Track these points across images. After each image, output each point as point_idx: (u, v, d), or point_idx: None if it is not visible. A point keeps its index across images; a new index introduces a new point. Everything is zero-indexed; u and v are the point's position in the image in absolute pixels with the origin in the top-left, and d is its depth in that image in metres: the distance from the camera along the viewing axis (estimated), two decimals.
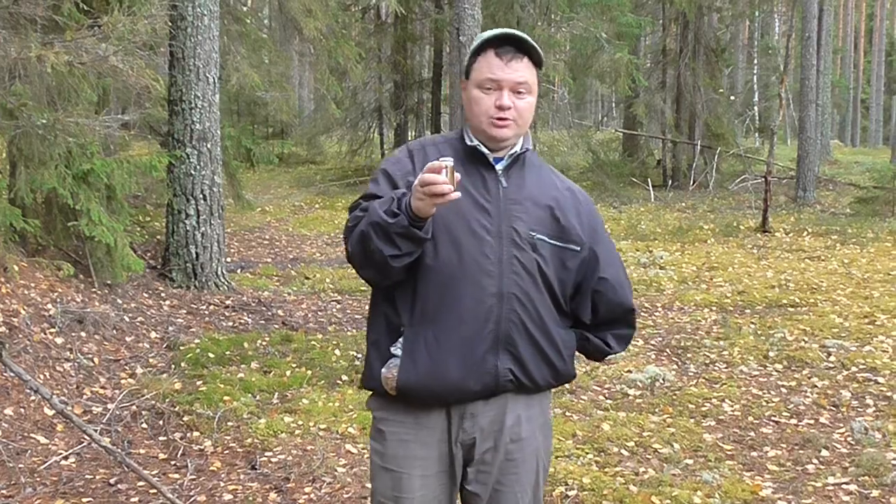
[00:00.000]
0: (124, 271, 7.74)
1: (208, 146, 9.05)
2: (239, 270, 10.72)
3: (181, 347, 7.10)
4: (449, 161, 2.23)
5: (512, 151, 2.52)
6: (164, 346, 7.18)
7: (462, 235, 2.41)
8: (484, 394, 2.46)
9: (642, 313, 8.99)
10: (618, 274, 2.65)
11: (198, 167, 9.01)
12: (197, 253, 9.04)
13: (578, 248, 2.55)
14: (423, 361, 2.39)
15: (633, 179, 22.25)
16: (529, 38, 2.46)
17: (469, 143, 2.51)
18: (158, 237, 10.73)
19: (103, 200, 7.55)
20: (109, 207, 7.67)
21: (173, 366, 6.73)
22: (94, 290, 7.66)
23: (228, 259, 10.68)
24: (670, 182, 22.48)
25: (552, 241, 2.51)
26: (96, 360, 6.47)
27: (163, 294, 8.62)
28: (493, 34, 2.45)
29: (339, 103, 18.96)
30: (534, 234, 2.48)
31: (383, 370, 2.44)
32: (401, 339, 2.42)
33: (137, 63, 6.19)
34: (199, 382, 6.33)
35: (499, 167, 2.51)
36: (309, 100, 32.92)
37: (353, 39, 18.26)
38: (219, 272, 9.23)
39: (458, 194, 2.22)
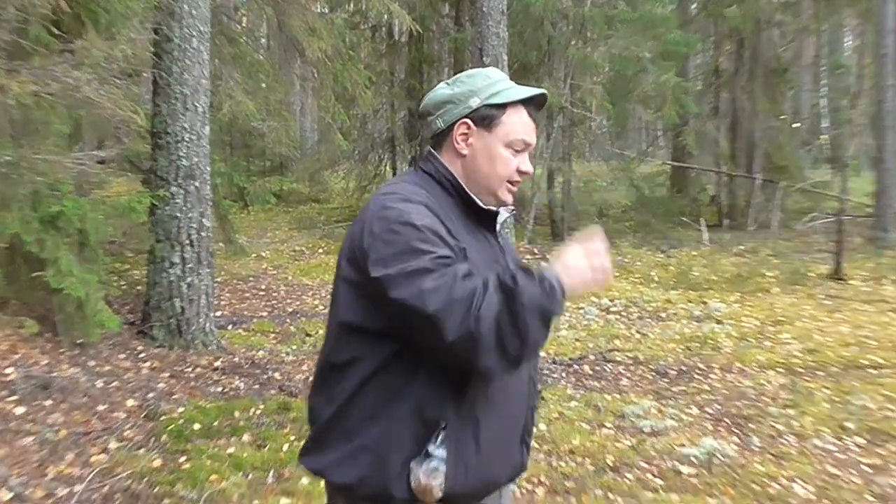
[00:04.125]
0: (97, 329, 7.72)
1: (196, 184, 9.06)
2: (230, 326, 10.68)
3: (162, 417, 7.04)
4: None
5: (505, 215, 2.56)
6: (143, 415, 7.12)
7: None
8: None
9: (696, 376, 8.89)
10: None
11: (184, 208, 9.01)
12: (182, 307, 9.02)
13: None
14: (473, 465, 2.32)
15: (684, 219, 22.16)
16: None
17: (486, 206, 2.50)
18: (138, 289, 10.73)
19: (74, 247, 7.54)
20: (81, 255, 7.66)
21: (153, 439, 6.66)
22: (61, 350, 7.64)
23: (218, 313, 10.65)
24: (726, 222, 22.39)
25: None
26: (63, 432, 6.41)
27: (142, 355, 8.58)
28: (536, 93, 2.49)
29: (345, 134, 19.01)
30: None
31: (419, 476, 2.27)
32: (440, 437, 2.28)
33: (114, 93, 6.20)
34: (182, 458, 6.25)
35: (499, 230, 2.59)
36: (312, 130, 33.11)
37: (361, 61, 18.39)
38: (207, 329, 9.20)
39: None
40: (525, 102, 2.47)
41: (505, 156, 2.45)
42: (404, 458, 2.28)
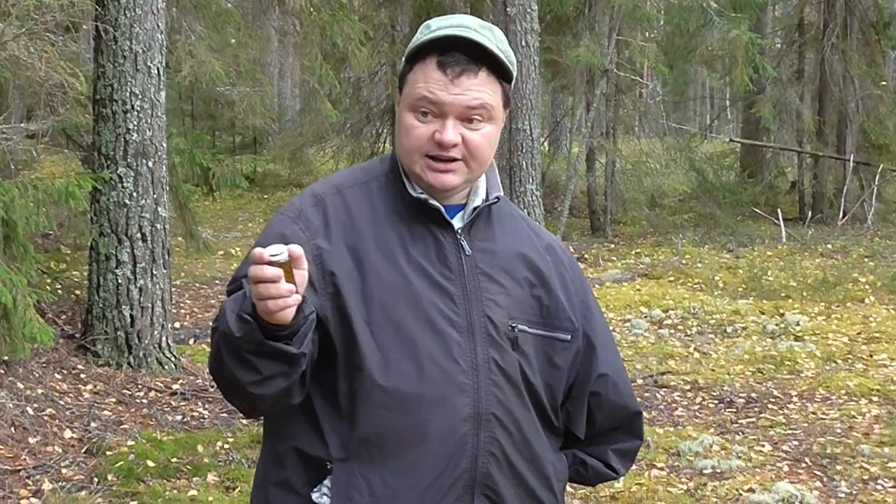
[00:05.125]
0: (28, 343, 7.76)
1: (149, 164, 9.11)
2: (192, 341, 10.74)
3: (108, 452, 7.09)
4: (280, 252, 2.09)
5: (475, 204, 2.48)
6: (84, 450, 7.18)
7: (417, 333, 2.34)
8: None
9: (769, 405, 8.91)
10: (618, 366, 2.65)
11: (134, 194, 9.06)
12: (132, 316, 9.07)
13: (569, 338, 2.53)
14: None
15: (756, 210, 22.14)
16: (492, 41, 2.40)
17: (414, 193, 2.43)
18: (77, 293, 10.78)
19: None
20: (7, 252, 7.72)
21: (96, 479, 6.72)
22: None
23: (177, 324, 10.70)
24: (810, 214, 22.35)
25: (536, 331, 2.48)
26: None
27: (83, 375, 8.63)
28: (436, 35, 2.39)
29: (335, 102, 19.04)
30: (514, 324, 2.45)
31: None
32: (327, 481, 2.35)
33: (48, 51, 6.27)
34: (132, 503, 6.30)
35: (456, 223, 2.46)
36: (293, 97, 33.19)
37: (355, 11, 18.40)
38: (163, 343, 9.25)
39: (297, 298, 2.11)
40: (438, 51, 2.38)
41: (408, 122, 2.41)
42: None
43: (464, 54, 2.37)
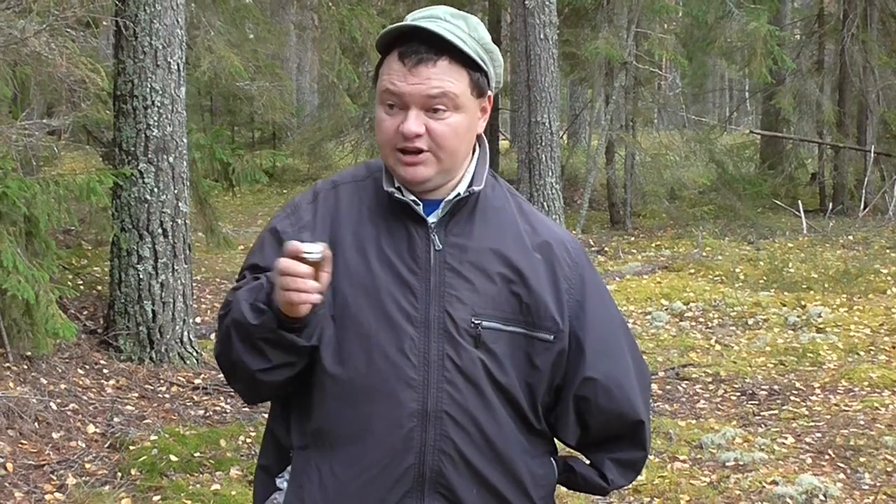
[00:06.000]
0: (50, 338, 7.78)
1: (170, 160, 9.13)
2: (213, 335, 10.74)
3: (131, 447, 7.11)
4: (316, 251, 2.18)
5: (451, 195, 2.44)
6: (107, 444, 7.20)
7: (372, 325, 2.34)
8: None
9: (792, 397, 8.89)
10: (614, 371, 2.54)
11: (155, 190, 9.08)
12: (154, 311, 9.09)
13: (552, 338, 2.46)
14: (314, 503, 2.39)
15: (777, 202, 22.08)
16: (461, 30, 2.38)
17: (387, 187, 2.43)
18: (99, 289, 10.81)
19: (20, 238, 7.61)
20: (29, 248, 7.73)
21: (119, 473, 6.73)
22: (7, 364, 7.71)
23: (198, 319, 10.72)
24: (831, 205, 22.27)
25: (510, 328, 2.43)
26: (10, 465, 6.50)
27: (105, 370, 8.65)
28: (395, 27, 2.38)
29: (354, 96, 19.03)
30: (478, 320, 2.40)
31: None
32: (289, 467, 2.44)
33: (69, 47, 6.27)
34: (156, 498, 6.32)
35: (431, 220, 2.43)
36: (312, 92, 33.18)
37: (373, 6, 18.40)
38: (184, 338, 9.26)
39: (318, 297, 2.21)
40: (397, 43, 2.38)
41: (378, 116, 2.40)
42: (266, 492, 2.50)
43: (423, 44, 2.36)
